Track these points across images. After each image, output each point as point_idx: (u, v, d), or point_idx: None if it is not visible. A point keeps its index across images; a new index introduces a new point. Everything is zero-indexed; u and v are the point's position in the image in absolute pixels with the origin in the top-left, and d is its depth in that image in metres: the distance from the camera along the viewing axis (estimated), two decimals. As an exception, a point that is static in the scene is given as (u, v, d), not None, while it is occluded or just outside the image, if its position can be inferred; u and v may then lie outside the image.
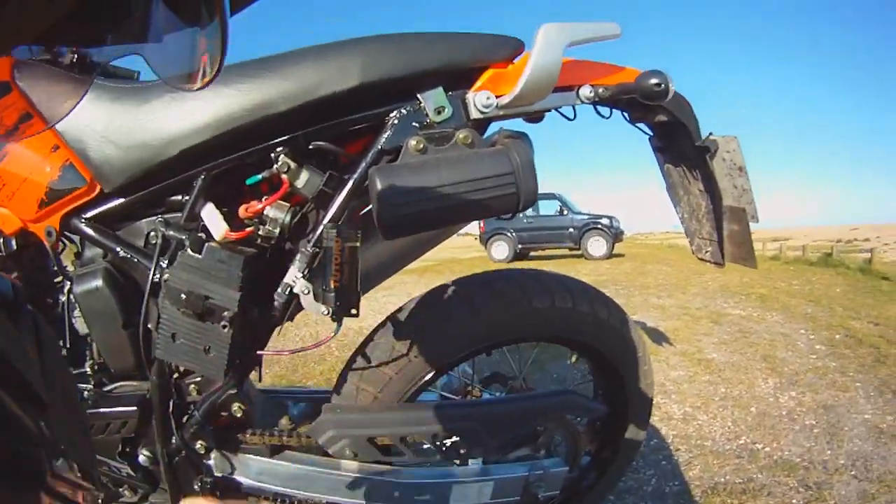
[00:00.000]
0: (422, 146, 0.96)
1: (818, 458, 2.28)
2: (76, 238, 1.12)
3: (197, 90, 0.44)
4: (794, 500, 1.98)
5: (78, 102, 0.99)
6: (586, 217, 14.43)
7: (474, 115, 1.01)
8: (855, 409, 2.78)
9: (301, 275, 0.97)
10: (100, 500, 1.24)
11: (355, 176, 0.99)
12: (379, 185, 0.88)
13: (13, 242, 1.07)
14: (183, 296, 0.95)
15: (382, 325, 1.24)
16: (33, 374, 0.41)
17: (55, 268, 1.15)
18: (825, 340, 4.14)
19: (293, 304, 1.01)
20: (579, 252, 14.27)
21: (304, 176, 0.99)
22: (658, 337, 4.23)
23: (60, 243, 1.10)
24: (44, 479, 0.37)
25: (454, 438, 1.20)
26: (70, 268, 1.14)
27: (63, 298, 1.13)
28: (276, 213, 1.01)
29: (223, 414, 1.14)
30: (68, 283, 1.11)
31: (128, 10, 0.42)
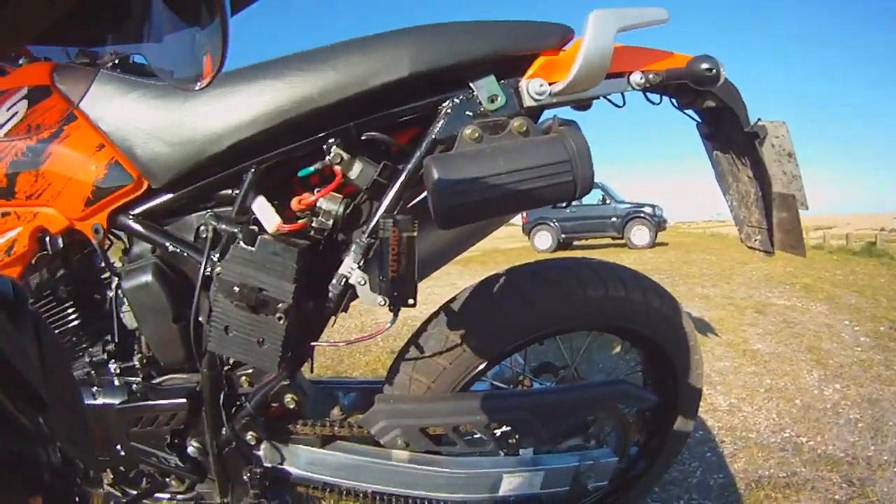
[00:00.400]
0: (477, 135, 0.95)
1: (862, 454, 2.23)
2: (123, 235, 1.14)
3: (198, 90, 0.43)
4: (836, 496, 1.94)
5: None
6: (629, 206, 14.26)
7: (528, 102, 0.99)
8: (900, 405, 2.71)
9: (357, 266, 0.97)
10: (143, 490, 1.26)
11: (409, 166, 0.99)
12: (436, 175, 0.88)
13: (59, 241, 1.09)
14: (236, 288, 0.95)
15: (435, 315, 1.24)
16: (33, 374, 0.41)
17: (102, 264, 1.17)
18: (870, 332, 4.04)
19: (348, 295, 1.01)
20: (622, 241, 14.11)
21: (358, 167, 0.99)
22: (703, 327, 4.16)
23: (107, 240, 1.12)
24: (41, 480, 0.37)
25: (505, 428, 1.19)
26: (117, 264, 1.15)
27: (111, 294, 1.15)
28: (330, 204, 1.01)
29: (275, 405, 1.15)
30: (116, 278, 1.12)
31: (128, 10, 0.43)
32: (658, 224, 14.03)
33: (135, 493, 1.27)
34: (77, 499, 0.44)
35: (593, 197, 14.60)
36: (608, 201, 14.51)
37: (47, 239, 1.09)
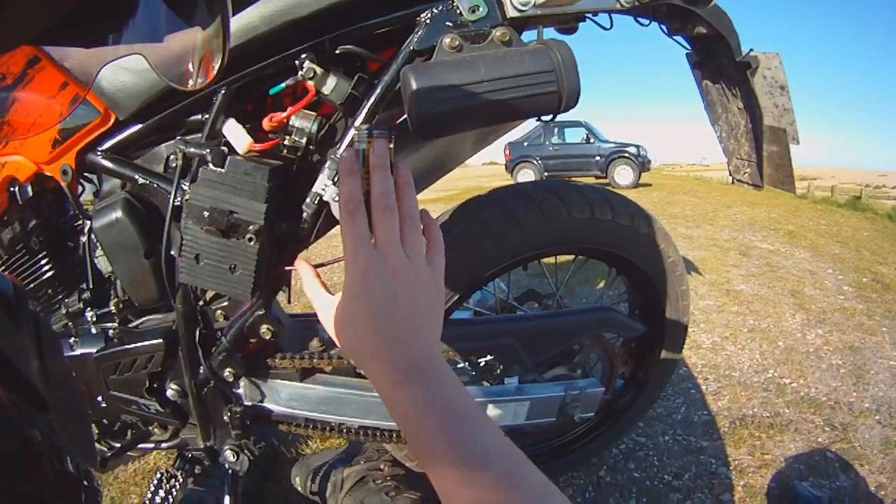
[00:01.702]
0: (457, 44, 0.89)
1: (844, 399, 2.27)
2: (94, 177, 1.10)
3: (198, 90, 0.43)
4: (819, 439, 1.98)
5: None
6: (613, 145, 13.99)
7: (511, 13, 0.93)
8: (881, 354, 2.75)
9: (331, 182, 0.92)
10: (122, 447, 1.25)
11: (386, 77, 0.93)
12: (413, 83, 0.82)
13: (29, 189, 1.05)
14: (206, 213, 0.91)
15: (417, 237, 1.19)
16: (33, 374, 0.41)
17: (73, 211, 1.13)
18: (852, 282, 4.06)
19: (322, 216, 0.97)
20: (606, 181, 13.83)
21: (332, 81, 0.93)
22: (687, 266, 4.13)
23: (78, 184, 1.07)
24: (44, 475, 0.37)
25: (489, 357, 1.17)
26: (89, 208, 1.11)
27: (83, 240, 1.12)
28: (303, 122, 0.96)
29: (252, 339, 1.11)
30: (87, 223, 1.08)
31: (129, 10, 0.42)
32: (642, 164, 13.79)
33: (119, 445, 1.25)
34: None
35: (577, 136, 14.37)
36: (592, 140, 14.21)
37: (16, 188, 1.05)
